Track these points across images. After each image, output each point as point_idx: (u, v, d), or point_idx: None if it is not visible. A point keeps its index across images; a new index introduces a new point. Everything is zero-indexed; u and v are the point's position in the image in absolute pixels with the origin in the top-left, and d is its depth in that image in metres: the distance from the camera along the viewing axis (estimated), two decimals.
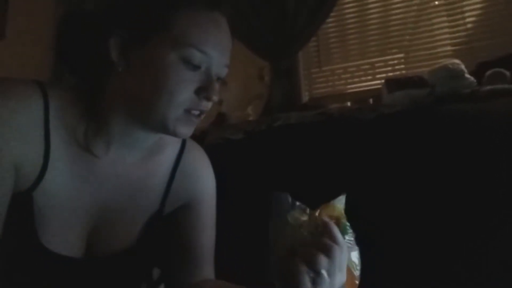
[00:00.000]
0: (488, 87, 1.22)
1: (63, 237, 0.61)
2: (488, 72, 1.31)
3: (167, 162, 0.71)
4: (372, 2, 1.88)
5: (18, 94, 0.57)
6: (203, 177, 0.75)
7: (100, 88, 0.62)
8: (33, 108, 0.57)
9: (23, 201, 0.58)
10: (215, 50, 0.59)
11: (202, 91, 0.59)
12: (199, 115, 0.61)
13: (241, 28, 1.76)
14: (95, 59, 0.61)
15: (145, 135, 0.64)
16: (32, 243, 0.59)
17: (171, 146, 0.71)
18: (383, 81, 1.53)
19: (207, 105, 0.61)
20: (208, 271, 0.74)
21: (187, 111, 0.59)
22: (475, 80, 1.31)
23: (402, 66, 1.82)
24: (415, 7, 1.80)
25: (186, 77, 0.58)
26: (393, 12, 1.84)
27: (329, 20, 1.85)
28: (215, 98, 0.60)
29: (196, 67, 0.58)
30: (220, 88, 0.65)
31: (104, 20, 0.61)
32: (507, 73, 1.27)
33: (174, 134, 0.60)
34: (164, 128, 0.60)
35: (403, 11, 1.82)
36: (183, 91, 0.58)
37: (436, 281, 1.03)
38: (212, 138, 1.45)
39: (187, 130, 0.61)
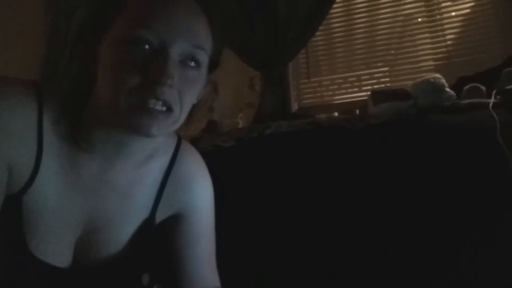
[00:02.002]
0: (467, 101, 1.29)
1: (50, 244, 0.59)
2: (466, 87, 1.38)
3: (159, 168, 0.69)
4: (359, 18, 1.96)
5: (12, 95, 0.56)
6: (197, 186, 0.72)
7: (86, 94, 0.60)
8: (27, 110, 0.56)
9: (13, 205, 0.56)
10: (167, 25, 0.52)
11: (149, 73, 0.51)
12: (163, 109, 0.53)
13: (232, 38, 1.80)
14: (74, 69, 0.60)
15: (129, 140, 0.61)
16: (20, 249, 0.57)
17: (164, 151, 0.69)
18: (368, 93, 1.59)
19: (162, 91, 0.52)
20: (210, 279, 0.71)
21: (142, 100, 0.52)
22: (455, 94, 1.38)
23: (387, 79, 1.89)
24: (399, 23, 1.89)
25: (130, 58, 0.51)
26: (379, 27, 1.92)
27: (318, 33, 1.92)
28: (169, 81, 0.52)
29: (140, 46, 0.52)
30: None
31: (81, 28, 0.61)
32: (483, 88, 1.35)
33: (132, 128, 0.53)
34: (121, 124, 0.54)
35: (388, 27, 1.90)
36: (130, 75, 0.51)
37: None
38: (204, 145, 1.48)
39: (146, 124, 0.52)
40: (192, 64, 0.55)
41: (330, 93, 1.98)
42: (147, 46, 0.52)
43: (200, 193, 0.73)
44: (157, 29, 0.52)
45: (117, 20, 0.54)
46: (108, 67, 0.54)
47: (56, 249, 0.60)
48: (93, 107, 0.60)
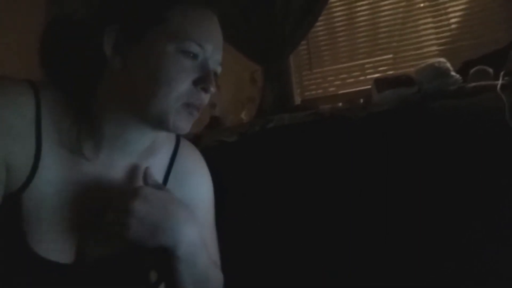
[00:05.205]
0: (473, 84, 1.26)
1: (52, 241, 0.59)
2: (472, 70, 1.35)
3: (160, 165, 0.69)
4: (360, 5, 1.92)
5: (9, 92, 0.56)
6: (196, 181, 0.73)
7: (91, 88, 0.61)
8: (25, 107, 0.57)
9: (12, 203, 0.56)
10: (210, 44, 0.61)
11: (201, 81, 0.60)
12: (197, 110, 0.62)
13: (232, 33, 1.78)
14: (85, 59, 0.60)
15: (138, 137, 0.63)
16: (21, 247, 0.57)
17: (164, 148, 0.71)
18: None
19: (204, 98, 0.61)
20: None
21: (186, 104, 0.60)
22: (460, 78, 1.34)
23: (391, 66, 1.86)
24: (401, 9, 1.85)
25: (184, 66, 0.59)
26: (381, 14, 1.88)
27: (319, 23, 1.89)
28: (213, 89, 0.61)
29: (194, 57, 0.60)
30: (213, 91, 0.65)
31: (95, 18, 0.61)
32: (490, 70, 1.31)
33: (173, 128, 0.60)
34: (163, 122, 0.59)
35: (390, 13, 1.86)
36: (183, 81, 0.59)
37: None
38: (207, 141, 1.47)
39: (185, 125, 0.61)
40: (215, 74, 0.65)
41: (333, 83, 1.95)
42: (193, 58, 0.60)
43: (200, 188, 0.73)
44: (205, 46, 0.60)
45: (158, 28, 0.59)
46: (154, 71, 0.58)
47: (58, 246, 0.60)
48: (105, 103, 0.60)
